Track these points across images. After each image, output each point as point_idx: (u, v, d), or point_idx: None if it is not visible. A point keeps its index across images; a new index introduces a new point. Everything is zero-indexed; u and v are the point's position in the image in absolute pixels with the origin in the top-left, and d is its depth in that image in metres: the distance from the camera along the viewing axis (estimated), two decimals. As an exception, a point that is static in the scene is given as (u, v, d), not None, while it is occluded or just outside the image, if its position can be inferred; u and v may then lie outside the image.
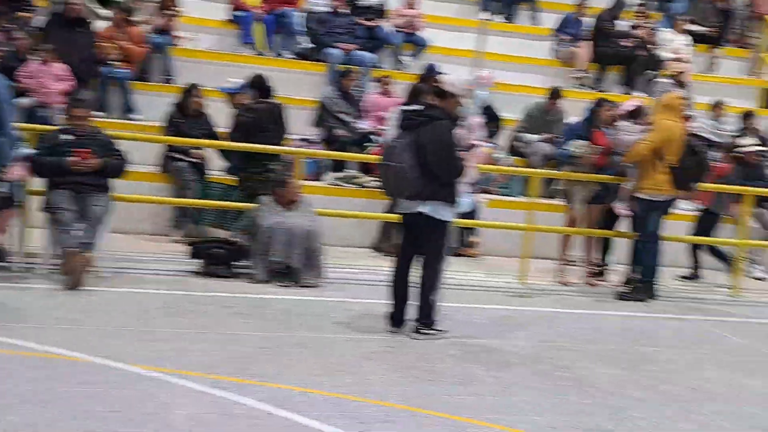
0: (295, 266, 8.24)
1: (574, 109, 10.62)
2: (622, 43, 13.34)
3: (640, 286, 9.20)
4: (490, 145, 11.36)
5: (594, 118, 9.50)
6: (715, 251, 10.57)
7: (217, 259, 8.40)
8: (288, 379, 5.71)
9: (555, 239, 9.88)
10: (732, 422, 5.68)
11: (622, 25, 13.79)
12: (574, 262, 9.83)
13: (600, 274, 9.91)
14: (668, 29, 14.08)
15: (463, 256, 10.35)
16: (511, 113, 11.88)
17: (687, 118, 11.19)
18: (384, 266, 7.46)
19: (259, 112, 9.36)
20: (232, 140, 9.30)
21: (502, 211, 10.54)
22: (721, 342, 7.85)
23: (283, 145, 9.51)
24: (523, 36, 14.11)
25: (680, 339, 7.80)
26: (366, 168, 10.59)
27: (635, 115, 9.36)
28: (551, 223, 10.00)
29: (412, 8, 13.14)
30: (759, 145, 11.68)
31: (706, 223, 10.46)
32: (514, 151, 11.64)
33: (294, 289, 8.15)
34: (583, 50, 13.39)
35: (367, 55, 12.40)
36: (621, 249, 9.91)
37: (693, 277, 10.50)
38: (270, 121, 9.40)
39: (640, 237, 9.28)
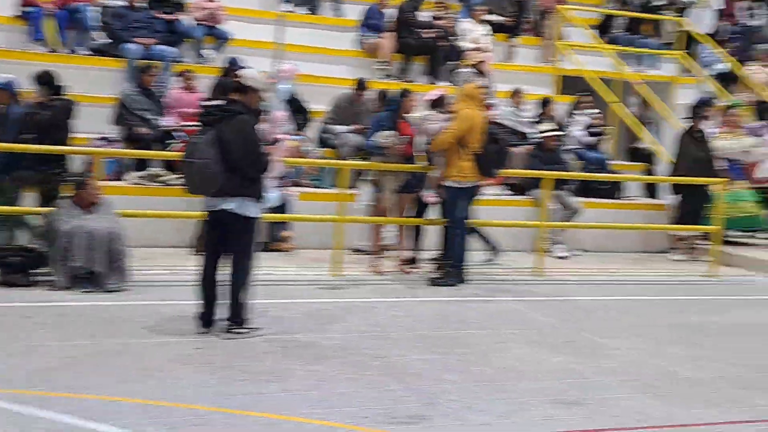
0: (98, 271, 7.90)
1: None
2: (424, 34, 13.57)
3: (451, 271, 9.39)
4: (299, 137, 11.30)
5: (399, 108, 9.61)
6: (481, 233, 10.72)
7: (13, 268, 7.95)
8: (94, 388, 5.48)
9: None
10: (539, 398, 5.86)
11: (424, 16, 14.03)
12: (370, 250, 9.91)
13: (412, 261, 10.06)
14: (467, 19, 14.44)
15: (276, 251, 10.25)
16: (318, 105, 11.85)
17: (488, 106, 11.53)
18: (193, 266, 7.26)
19: (55, 110, 8.93)
20: (23, 140, 8.82)
21: (314, 204, 10.53)
22: (528, 321, 8.09)
23: (69, 145, 9.09)
24: (328, 27, 14.12)
25: (489, 320, 7.99)
26: (170, 166, 10.29)
27: (438, 104, 9.54)
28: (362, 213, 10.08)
29: (212, 1, 12.86)
30: (556, 130, 12.20)
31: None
32: (323, 142, 11.61)
33: (98, 294, 7.81)
34: (387, 41, 13.53)
35: (167, 49, 12.05)
36: (431, 236, 10.09)
37: (492, 257, 10.70)
38: (65, 119, 8.98)
39: (449, 223, 9.47)
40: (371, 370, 6.25)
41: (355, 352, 6.67)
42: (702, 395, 6.14)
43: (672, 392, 6.17)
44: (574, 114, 13.38)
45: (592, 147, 13.09)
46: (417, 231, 10.13)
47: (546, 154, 11.91)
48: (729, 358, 7.16)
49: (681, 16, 16.20)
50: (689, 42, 15.87)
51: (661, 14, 16.50)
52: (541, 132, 12.12)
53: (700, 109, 12.26)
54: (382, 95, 10.44)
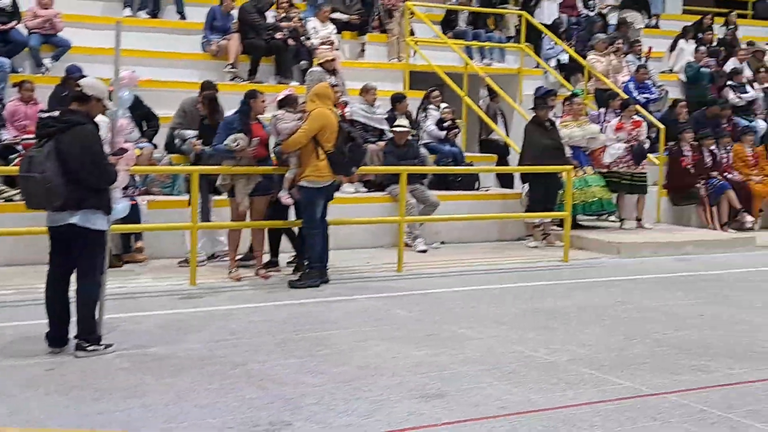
0: (-63, 295, 7.49)
1: (229, 102, 10.54)
2: (271, 35, 13.45)
3: (311, 271, 9.33)
4: (149, 144, 11.01)
5: (249, 110, 9.48)
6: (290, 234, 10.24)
7: None
8: (-64, 420, 5.17)
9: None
10: (402, 394, 5.86)
11: (270, 16, 13.92)
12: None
13: (272, 264, 9.95)
14: (313, 18, 14.40)
15: (130, 262, 9.96)
16: (166, 110, 11.57)
17: (341, 104, 11.54)
18: (40, 284, 6.94)
19: None
20: None
21: (167, 212, 10.28)
22: (390, 317, 8.10)
23: None
24: (171, 31, 13.85)
25: (350, 319, 7.96)
26: (12, 181, 9.83)
27: (286, 103, 9.46)
28: (221, 218, 9.92)
29: (48, 8, 12.38)
30: (408, 126, 12.29)
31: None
32: (172, 148, 11.32)
33: (-61, 320, 7.42)
34: (233, 43, 13.34)
35: (2, 60, 11.53)
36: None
37: (295, 260, 10.10)
38: None
39: (306, 224, 9.41)
40: (230, 378, 6.12)
41: (213, 361, 6.52)
42: (558, 379, 6.27)
43: (530, 378, 6.28)
44: (427, 109, 13.53)
45: (444, 140, 13.26)
46: (275, 233, 10.03)
47: (401, 149, 12.00)
48: (581, 340, 7.36)
49: (523, 10, 16.60)
50: (533, 34, 16.28)
51: (504, 8, 16.87)
52: (392, 127, 12.21)
53: (542, 99, 12.58)
54: (210, 100, 10.26)
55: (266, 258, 9.89)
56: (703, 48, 17.21)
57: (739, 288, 9.90)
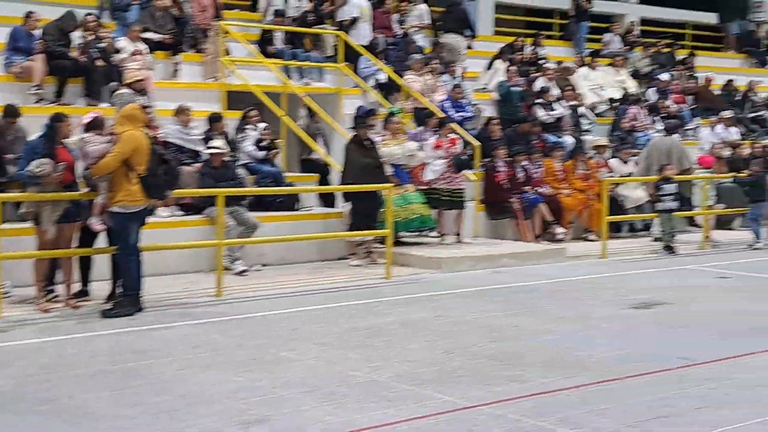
0: None
1: (35, 126, 10.05)
2: (77, 55, 12.98)
3: (125, 300, 9.01)
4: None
5: (54, 133, 9.09)
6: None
7: None
8: None
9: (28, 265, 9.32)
10: (221, 421, 5.71)
11: (77, 36, 13.42)
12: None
13: (83, 294, 9.55)
14: (124, 38, 13.99)
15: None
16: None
17: (152, 126, 11.22)
18: None
19: None
20: None
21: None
22: (209, 343, 7.89)
23: None
24: (-31, 52, 13.15)
25: (169, 347, 7.71)
26: None
27: (94, 126, 9.12)
28: (24, 247, 9.41)
29: None
30: (224, 147, 12.10)
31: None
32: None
33: None
34: (38, 64, 12.76)
35: None
36: (101, 265, 9.62)
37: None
38: None
39: (120, 250, 9.08)
40: (40, 415, 5.81)
41: (18, 398, 6.16)
42: (379, 396, 6.27)
43: (351, 397, 6.25)
44: (244, 129, 13.36)
45: (264, 161, 13.13)
46: (85, 261, 9.63)
47: (218, 171, 11.79)
48: (403, 356, 7.40)
49: (339, 30, 16.70)
50: (350, 54, 16.39)
51: (321, 28, 16.92)
52: (208, 148, 12.00)
53: (363, 118, 12.67)
54: None
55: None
56: (513, 68, 17.82)
57: (551, 298, 10.24)
